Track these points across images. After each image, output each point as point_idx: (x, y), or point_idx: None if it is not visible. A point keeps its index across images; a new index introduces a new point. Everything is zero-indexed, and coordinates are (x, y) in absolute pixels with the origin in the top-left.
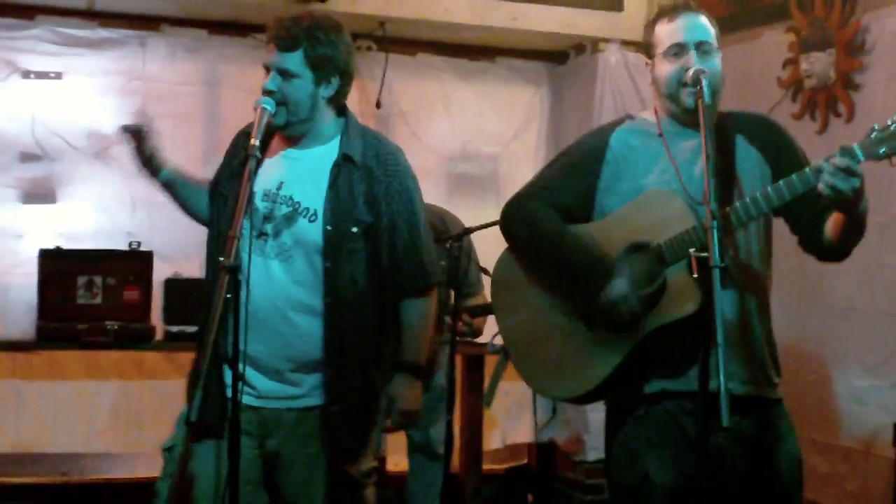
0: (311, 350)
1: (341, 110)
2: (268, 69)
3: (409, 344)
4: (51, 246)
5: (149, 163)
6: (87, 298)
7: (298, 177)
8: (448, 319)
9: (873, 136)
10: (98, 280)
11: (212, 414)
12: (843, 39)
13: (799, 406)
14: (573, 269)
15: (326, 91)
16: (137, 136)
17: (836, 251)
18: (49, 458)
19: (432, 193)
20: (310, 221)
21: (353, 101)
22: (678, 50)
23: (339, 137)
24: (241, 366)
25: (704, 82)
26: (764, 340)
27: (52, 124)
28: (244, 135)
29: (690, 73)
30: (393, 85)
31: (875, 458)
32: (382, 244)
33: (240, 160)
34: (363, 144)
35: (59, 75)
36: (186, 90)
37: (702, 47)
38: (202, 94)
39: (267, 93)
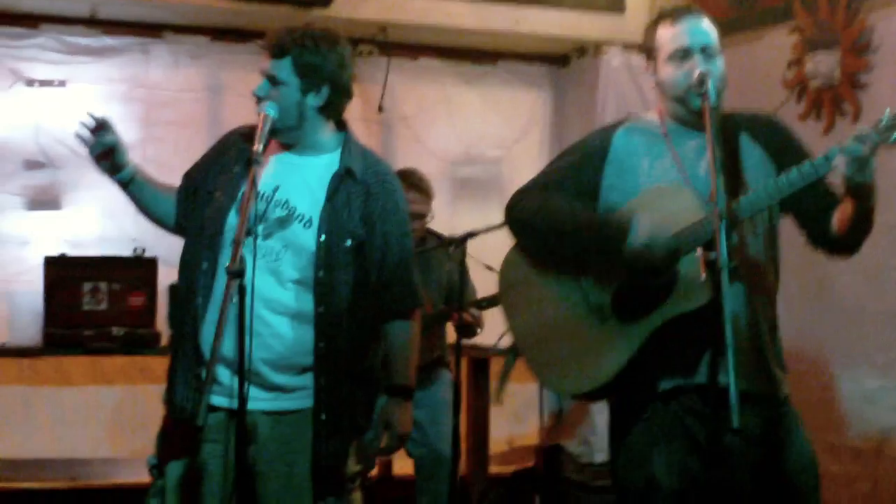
0: (288, 354)
1: (341, 125)
2: (261, 75)
3: (398, 367)
4: (56, 253)
5: (108, 157)
6: (92, 305)
7: (295, 182)
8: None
9: (884, 122)
10: (103, 286)
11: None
12: (849, 39)
13: (809, 406)
14: (590, 231)
15: (315, 100)
16: (100, 127)
17: (845, 245)
18: (57, 464)
19: (436, 197)
20: (304, 227)
21: (355, 106)
22: (684, 54)
23: (339, 150)
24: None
25: (710, 84)
26: (769, 338)
27: (56, 132)
28: (239, 135)
29: (696, 73)
30: (395, 89)
31: (886, 458)
32: (373, 262)
33: (233, 159)
34: (363, 161)
35: (62, 83)
36: (189, 97)
37: (706, 51)
38: (205, 101)
39: (256, 98)
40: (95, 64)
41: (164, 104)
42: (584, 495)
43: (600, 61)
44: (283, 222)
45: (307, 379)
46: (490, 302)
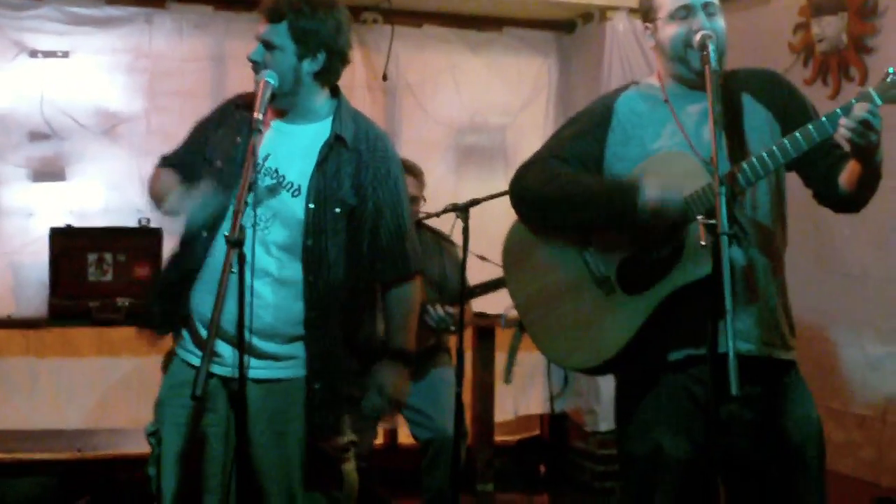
0: (276, 323)
1: (334, 91)
2: (256, 39)
3: (396, 331)
4: (61, 224)
5: None
6: (97, 276)
7: (286, 151)
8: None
9: (889, 79)
10: (108, 257)
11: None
12: (856, 2)
13: (813, 373)
14: (601, 197)
15: (311, 66)
16: None
17: (852, 202)
18: (63, 434)
19: (440, 166)
20: (293, 196)
21: (359, 75)
22: (686, 12)
23: (331, 117)
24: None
25: (711, 46)
26: (777, 299)
27: (61, 103)
28: (235, 105)
29: (698, 37)
30: (399, 57)
31: (890, 425)
32: (365, 229)
33: (234, 128)
34: (355, 127)
35: (66, 54)
36: (193, 66)
37: (708, 9)
38: (209, 70)
39: (251, 63)
40: (99, 34)
41: (168, 74)
42: (590, 464)
43: (606, 27)
44: (272, 191)
45: (298, 348)
46: (483, 289)
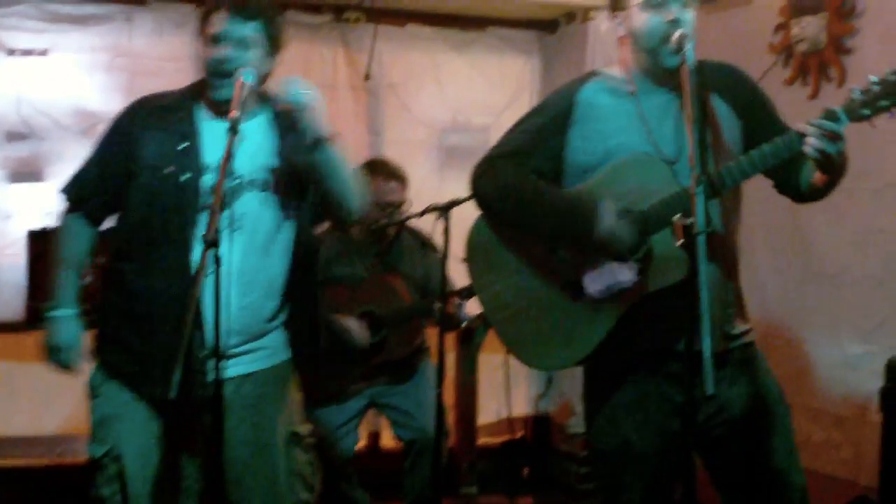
0: (250, 321)
1: None
2: (216, 39)
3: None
4: (39, 226)
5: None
6: None
7: (238, 150)
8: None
9: (855, 98)
10: (87, 260)
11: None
12: (835, 3)
13: (792, 373)
14: (558, 218)
15: (269, 67)
16: None
17: (813, 198)
18: (42, 441)
19: (424, 166)
20: (260, 190)
21: (342, 74)
22: (661, 1)
23: (264, 112)
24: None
25: (688, 46)
26: (735, 296)
27: (39, 102)
28: (155, 108)
29: (675, 35)
30: (382, 56)
31: (869, 424)
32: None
33: (169, 131)
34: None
35: (44, 52)
36: (174, 66)
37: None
38: (189, 70)
39: (223, 61)
40: (78, 32)
41: (147, 73)
42: (574, 465)
43: (588, 27)
44: (235, 191)
45: (266, 340)
46: (469, 293)
